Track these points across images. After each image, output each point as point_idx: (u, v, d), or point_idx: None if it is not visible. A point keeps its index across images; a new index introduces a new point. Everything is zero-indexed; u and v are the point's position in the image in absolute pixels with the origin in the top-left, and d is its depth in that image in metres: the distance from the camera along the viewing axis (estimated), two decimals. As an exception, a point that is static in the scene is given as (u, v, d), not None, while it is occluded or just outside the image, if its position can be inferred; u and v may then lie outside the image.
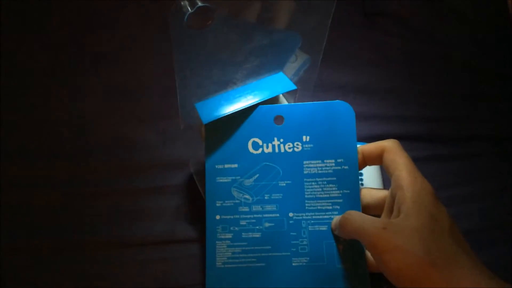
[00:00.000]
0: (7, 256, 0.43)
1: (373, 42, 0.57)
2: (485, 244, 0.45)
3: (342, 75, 0.55)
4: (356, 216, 0.36)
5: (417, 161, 0.37)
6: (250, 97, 0.41)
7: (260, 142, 0.41)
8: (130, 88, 0.52)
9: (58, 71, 0.52)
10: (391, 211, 0.37)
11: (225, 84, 0.41)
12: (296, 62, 0.46)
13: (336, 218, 0.39)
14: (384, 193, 0.40)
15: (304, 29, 0.40)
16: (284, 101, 0.44)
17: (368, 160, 0.40)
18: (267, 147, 0.41)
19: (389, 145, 0.39)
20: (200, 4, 0.29)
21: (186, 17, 0.30)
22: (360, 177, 0.46)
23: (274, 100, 0.43)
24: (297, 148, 0.41)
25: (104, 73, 0.53)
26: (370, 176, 0.46)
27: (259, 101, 0.41)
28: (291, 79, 0.43)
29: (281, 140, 0.41)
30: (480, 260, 0.33)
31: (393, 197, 0.37)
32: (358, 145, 0.41)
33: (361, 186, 0.45)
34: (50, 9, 0.55)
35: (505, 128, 0.53)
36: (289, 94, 0.44)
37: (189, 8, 0.29)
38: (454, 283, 0.31)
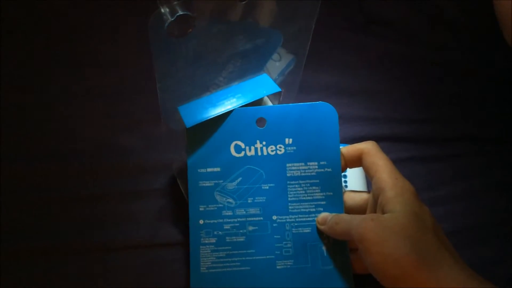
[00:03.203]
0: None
1: (357, 45, 0.58)
2: (471, 243, 0.46)
3: (326, 77, 0.55)
4: (345, 216, 0.37)
5: (402, 161, 0.38)
6: (233, 100, 0.41)
7: (243, 145, 0.41)
8: (115, 91, 0.52)
9: (56, 73, 0.53)
10: (374, 213, 0.37)
11: (207, 86, 0.41)
12: (281, 62, 0.45)
13: (324, 214, 0.39)
14: (366, 195, 0.40)
15: (288, 32, 0.39)
16: (268, 103, 0.44)
17: (349, 163, 0.41)
18: (250, 150, 0.41)
19: (367, 147, 0.39)
20: (180, 12, 0.29)
21: (166, 25, 0.29)
22: (344, 179, 0.46)
23: (258, 102, 0.43)
24: (280, 150, 0.41)
25: (95, 76, 0.53)
26: (354, 177, 0.46)
27: (243, 104, 0.41)
28: (275, 80, 0.43)
29: (264, 142, 0.41)
30: (462, 259, 0.33)
31: (375, 199, 0.37)
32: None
33: (344, 189, 0.45)
34: (46, 12, 0.56)
35: (489, 128, 0.54)
36: (273, 96, 0.44)
37: (169, 16, 0.29)
38: (437, 282, 0.31)
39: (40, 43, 0.54)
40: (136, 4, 0.56)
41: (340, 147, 0.41)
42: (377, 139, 0.45)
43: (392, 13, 0.59)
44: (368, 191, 0.40)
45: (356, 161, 0.40)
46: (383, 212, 0.35)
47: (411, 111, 0.54)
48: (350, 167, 0.42)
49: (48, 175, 0.46)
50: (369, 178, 0.39)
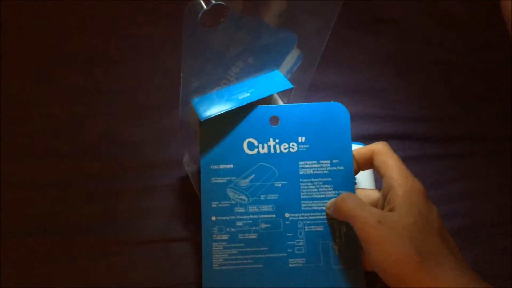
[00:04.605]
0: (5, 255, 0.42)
1: (365, 43, 0.58)
2: (475, 242, 0.46)
3: (334, 75, 0.55)
4: (352, 200, 0.37)
5: (407, 160, 0.38)
6: (247, 94, 0.41)
7: (256, 143, 0.41)
8: (126, 87, 0.52)
9: (56, 71, 0.52)
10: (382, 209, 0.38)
11: (219, 79, 0.40)
12: (288, 57, 0.45)
13: (332, 200, 0.40)
14: (377, 193, 0.40)
15: (306, 30, 0.39)
16: (278, 99, 0.44)
17: (361, 165, 0.41)
18: (263, 147, 0.41)
19: (378, 147, 0.39)
20: (214, 2, 0.29)
21: (200, 14, 0.29)
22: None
23: (268, 98, 0.43)
24: (293, 148, 0.41)
25: (100, 73, 0.52)
26: (362, 177, 0.46)
27: (256, 99, 0.41)
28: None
29: (277, 140, 0.41)
30: (465, 262, 0.34)
31: (384, 197, 0.37)
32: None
33: (356, 184, 0.45)
34: (48, 9, 0.55)
35: (494, 128, 0.55)
36: (282, 93, 0.44)
37: (204, 6, 0.28)
38: (438, 283, 0.32)
39: (47, 40, 0.54)
40: (143, 1, 0.56)
41: (353, 147, 0.41)
42: (384, 137, 0.46)
43: (399, 12, 0.59)
44: (378, 189, 0.41)
45: (368, 162, 0.40)
46: (391, 210, 0.35)
47: (418, 110, 0.55)
48: (363, 169, 0.42)
49: (60, 172, 0.46)
50: (379, 176, 0.39)
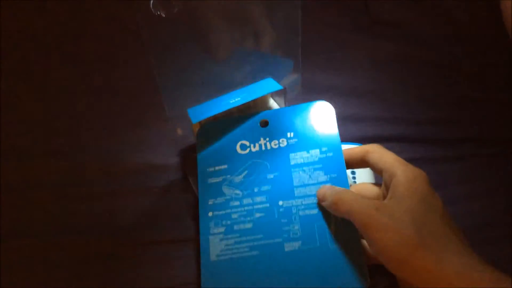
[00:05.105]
0: (5, 256, 0.43)
1: (365, 46, 0.58)
2: (477, 245, 0.43)
3: (334, 77, 0.55)
4: (348, 196, 0.36)
5: (408, 162, 0.38)
6: (238, 99, 0.44)
7: (248, 143, 0.44)
8: (125, 88, 0.53)
9: (56, 71, 0.53)
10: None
11: (214, 86, 0.45)
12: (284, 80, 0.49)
13: (322, 190, 0.39)
14: (378, 188, 0.40)
15: (279, 32, 0.44)
16: (274, 104, 0.47)
17: (353, 164, 0.41)
18: (254, 146, 0.44)
19: (372, 147, 0.40)
20: None
21: (152, 2, 0.33)
22: (353, 175, 0.46)
23: (263, 102, 0.46)
24: (283, 143, 0.43)
25: (100, 73, 0.53)
26: (362, 177, 0.46)
27: (248, 100, 0.44)
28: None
29: (267, 139, 0.44)
30: (470, 246, 0.33)
31: (387, 188, 0.37)
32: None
33: (356, 183, 0.45)
34: (46, 11, 0.56)
35: (494, 130, 0.53)
36: (279, 98, 0.47)
37: None
38: (442, 265, 0.31)
39: (47, 40, 0.54)
40: (144, 1, 0.57)
41: (348, 146, 0.42)
42: (384, 139, 0.46)
43: (399, 15, 0.59)
44: (379, 184, 0.40)
45: (360, 161, 0.40)
46: (393, 197, 0.35)
47: (418, 112, 0.54)
48: (353, 168, 0.43)
49: (59, 172, 0.47)
50: (377, 172, 0.39)
